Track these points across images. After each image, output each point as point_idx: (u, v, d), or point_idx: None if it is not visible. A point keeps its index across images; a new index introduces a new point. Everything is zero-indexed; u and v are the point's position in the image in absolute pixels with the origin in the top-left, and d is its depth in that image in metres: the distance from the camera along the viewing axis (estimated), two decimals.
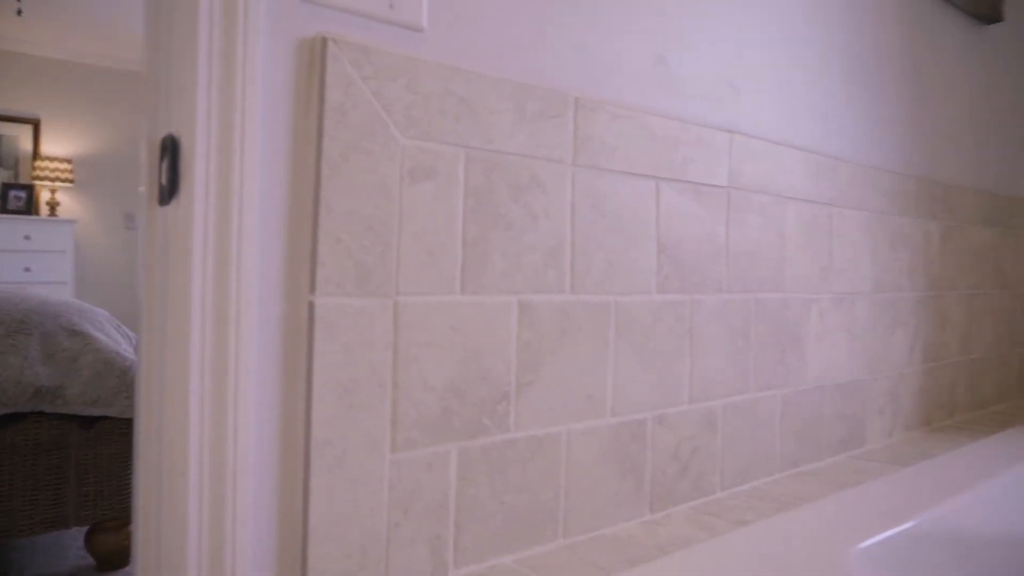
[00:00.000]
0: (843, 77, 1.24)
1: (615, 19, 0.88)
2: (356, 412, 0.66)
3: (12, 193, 4.21)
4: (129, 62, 4.66)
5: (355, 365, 0.66)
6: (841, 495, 0.96)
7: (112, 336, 1.60)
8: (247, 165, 0.59)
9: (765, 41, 1.08)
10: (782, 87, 1.12)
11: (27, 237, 4.04)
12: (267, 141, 0.63)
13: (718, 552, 0.74)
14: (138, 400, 0.65)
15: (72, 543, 1.76)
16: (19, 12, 3.26)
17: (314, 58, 0.64)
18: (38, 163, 4.31)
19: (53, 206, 4.36)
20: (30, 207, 4.25)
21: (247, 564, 0.61)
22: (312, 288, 0.63)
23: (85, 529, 1.63)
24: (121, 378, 1.48)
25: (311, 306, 0.63)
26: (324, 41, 0.64)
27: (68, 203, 4.51)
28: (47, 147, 4.43)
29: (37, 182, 4.31)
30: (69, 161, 4.43)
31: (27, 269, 4.02)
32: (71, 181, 4.43)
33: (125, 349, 1.56)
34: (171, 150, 0.59)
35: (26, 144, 4.36)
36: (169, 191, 0.60)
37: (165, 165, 0.60)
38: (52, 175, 4.32)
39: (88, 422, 1.49)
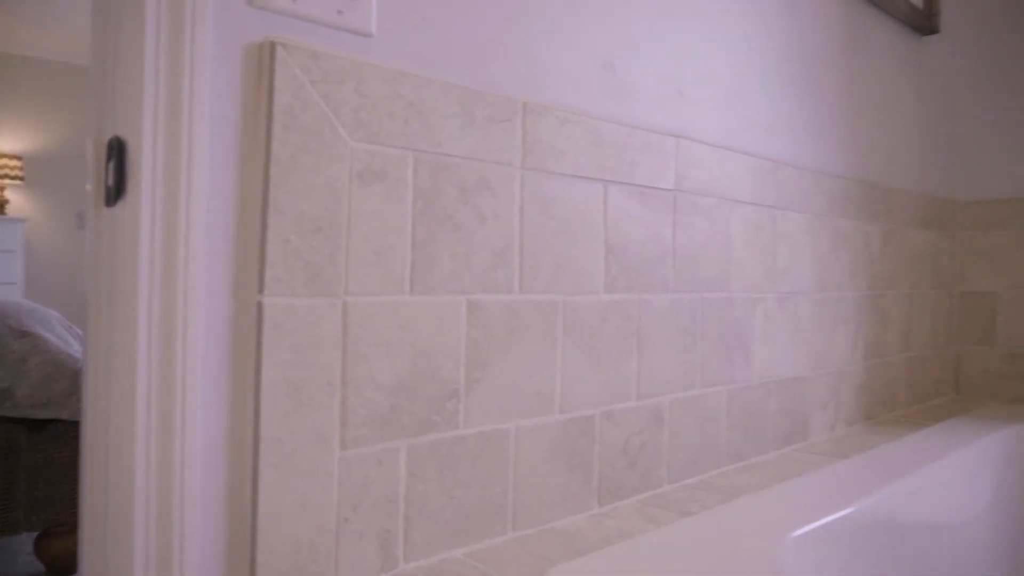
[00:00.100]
0: (787, 84, 1.28)
1: (564, 27, 0.91)
2: (305, 410, 0.67)
3: None
4: (81, 57, 4.55)
5: (304, 364, 0.67)
6: (780, 486, 1.00)
7: (63, 337, 1.57)
8: (194, 168, 0.60)
9: (710, 49, 1.12)
10: (727, 93, 1.15)
11: None
12: (215, 144, 0.63)
13: (658, 542, 0.77)
14: (85, 401, 0.65)
15: (22, 548, 1.73)
16: None
17: (263, 62, 0.65)
18: None
19: (2, 204, 4.23)
20: None
21: (195, 563, 0.62)
22: (261, 288, 0.65)
23: (35, 534, 1.60)
24: (73, 380, 1.46)
25: (260, 306, 0.64)
26: (273, 45, 0.65)
27: (18, 201, 4.39)
28: None
29: None
30: (19, 158, 4.31)
31: None
32: (21, 179, 4.31)
33: (76, 350, 1.54)
34: (117, 152, 0.60)
35: None
36: (116, 192, 0.61)
37: (112, 167, 0.61)
38: (1, 172, 4.20)
39: (38, 425, 1.46)
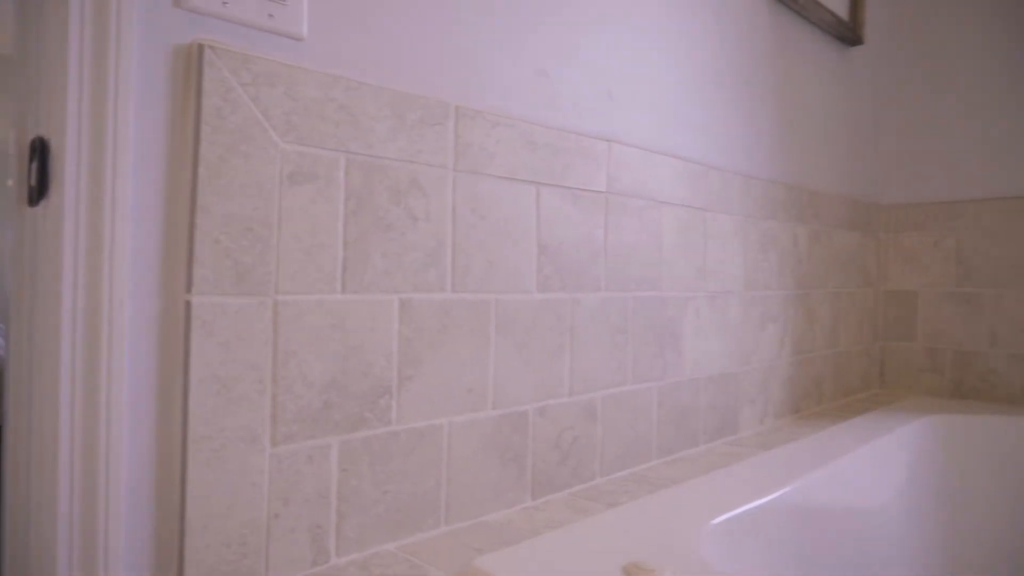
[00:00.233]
0: (717, 91, 1.34)
1: (499, 34, 0.93)
2: (235, 407, 0.68)
3: None
4: (3, 46, 4.37)
5: (234, 362, 0.68)
6: (705, 476, 1.04)
7: None
8: (120, 169, 0.61)
9: (643, 57, 1.16)
10: (658, 99, 1.20)
11: None
12: (142, 145, 0.64)
13: (582, 530, 0.80)
14: (7, 401, 0.65)
15: None
16: None
17: (191, 64, 0.66)
18: None
19: None
20: None
21: (121, 561, 0.63)
22: (189, 288, 0.65)
23: None
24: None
25: (188, 305, 0.65)
26: (201, 47, 0.65)
27: None
28: None
29: None
30: None
31: None
32: None
33: (2, 347, 1.50)
34: (40, 152, 0.60)
35: None
36: (39, 192, 0.61)
37: (35, 167, 0.61)
38: None
39: None
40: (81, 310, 0.60)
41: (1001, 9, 1.79)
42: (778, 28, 1.51)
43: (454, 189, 0.87)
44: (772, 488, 1.00)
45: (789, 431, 1.44)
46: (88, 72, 0.60)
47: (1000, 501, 1.50)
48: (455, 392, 0.87)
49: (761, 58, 1.46)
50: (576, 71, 1.05)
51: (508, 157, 0.93)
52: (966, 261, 1.82)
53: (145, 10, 0.64)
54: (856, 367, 1.85)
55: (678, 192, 1.22)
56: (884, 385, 1.97)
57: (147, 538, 0.65)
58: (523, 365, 0.96)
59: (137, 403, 0.64)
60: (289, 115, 0.72)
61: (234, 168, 0.68)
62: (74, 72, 0.59)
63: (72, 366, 0.59)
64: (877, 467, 1.28)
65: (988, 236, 1.78)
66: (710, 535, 0.84)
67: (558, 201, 1.00)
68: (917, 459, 1.43)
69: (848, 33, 1.70)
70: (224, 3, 0.68)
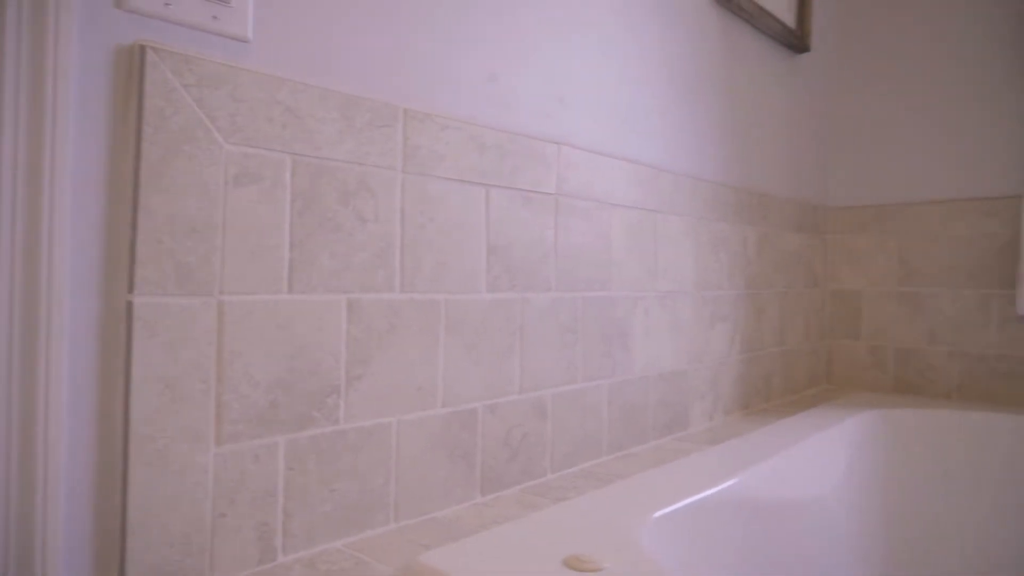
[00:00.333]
0: (666, 95, 1.37)
1: (449, 39, 0.95)
2: (178, 407, 0.68)
3: None
4: None
5: (177, 362, 0.68)
6: (651, 471, 1.07)
7: None
8: (58, 170, 0.60)
9: (593, 61, 1.19)
10: (608, 103, 1.22)
11: None
12: (82, 146, 0.64)
13: (528, 525, 0.82)
14: None
15: None
16: None
17: (133, 65, 0.66)
18: None
19: None
20: None
21: (60, 562, 0.63)
22: (131, 288, 0.65)
23: None
24: None
25: (130, 306, 0.65)
26: (143, 49, 0.66)
27: None
28: None
29: None
30: None
31: None
32: None
33: None
34: None
35: None
36: None
37: None
38: None
39: None
40: (19, 309, 0.60)
41: (941, 20, 1.86)
42: (727, 35, 1.55)
43: (403, 190, 0.88)
44: (715, 482, 1.03)
45: (737, 426, 1.48)
46: (26, 73, 0.59)
47: (937, 491, 1.57)
48: (404, 391, 0.89)
49: (711, 65, 1.50)
50: (527, 76, 1.07)
51: (458, 159, 0.95)
52: (908, 262, 1.89)
53: (86, 11, 0.64)
54: (803, 364, 1.91)
55: (629, 194, 1.25)
56: (831, 381, 2.03)
57: (87, 538, 0.65)
58: (473, 364, 0.97)
59: (77, 404, 0.64)
60: (234, 116, 0.72)
61: (177, 169, 0.68)
62: (11, 72, 0.59)
63: (9, 366, 0.59)
64: (818, 460, 1.32)
65: (927, 238, 1.86)
66: (652, 527, 0.87)
67: (508, 202, 1.02)
68: (857, 452, 1.49)
69: (796, 41, 1.76)
70: (167, 4, 0.68)
